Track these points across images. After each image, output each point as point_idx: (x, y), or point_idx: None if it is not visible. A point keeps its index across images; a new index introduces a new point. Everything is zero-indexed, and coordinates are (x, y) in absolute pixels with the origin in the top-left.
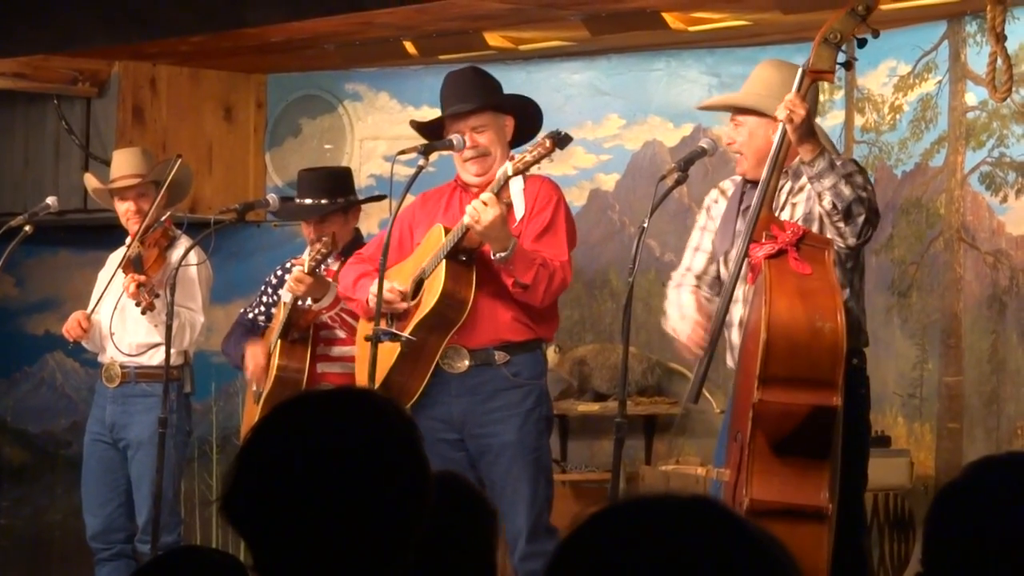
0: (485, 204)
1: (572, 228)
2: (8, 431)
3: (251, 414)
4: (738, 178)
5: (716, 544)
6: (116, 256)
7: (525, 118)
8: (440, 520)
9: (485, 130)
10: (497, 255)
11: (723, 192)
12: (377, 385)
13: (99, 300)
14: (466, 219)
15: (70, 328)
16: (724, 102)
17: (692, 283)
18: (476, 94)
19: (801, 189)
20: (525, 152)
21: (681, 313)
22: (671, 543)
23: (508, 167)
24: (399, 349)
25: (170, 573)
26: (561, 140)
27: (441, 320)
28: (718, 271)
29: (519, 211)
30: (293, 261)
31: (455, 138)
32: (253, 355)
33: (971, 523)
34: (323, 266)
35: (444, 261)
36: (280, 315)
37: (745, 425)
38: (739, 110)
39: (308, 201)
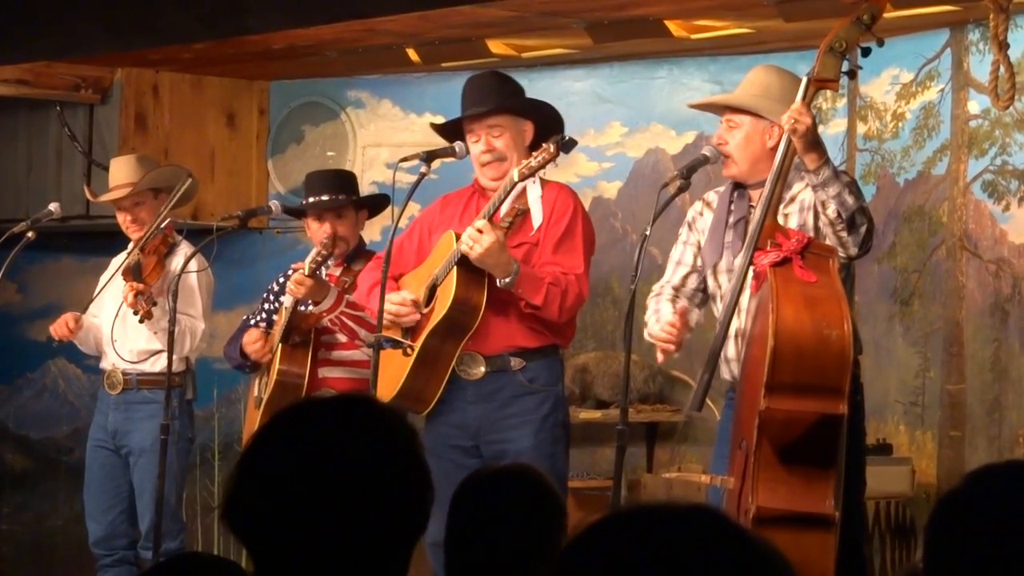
0: (480, 232)
1: (591, 235)
2: (10, 437)
3: (252, 420)
4: (721, 189)
5: (717, 553)
6: (119, 260)
7: (544, 123)
8: (509, 511)
9: (502, 133)
10: (502, 282)
11: (708, 204)
12: (394, 393)
13: (91, 302)
14: (462, 247)
15: (57, 327)
16: (720, 101)
17: (670, 294)
18: (493, 96)
19: (792, 200)
20: (530, 158)
21: (657, 318)
22: (672, 552)
23: (514, 174)
24: (414, 356)
25: None
26: (565, 144)
27: (454, 327)
28: (701, 284)
29: (536, 218)
30: (294, 266)
31: (458, 145)
32: (249, 340)
33: (971, 532)
34: (323, 269)
35: (455, 268)
36: (281, 320)
37: (751, 433)
38: (734, 110)
39: (326, 197)
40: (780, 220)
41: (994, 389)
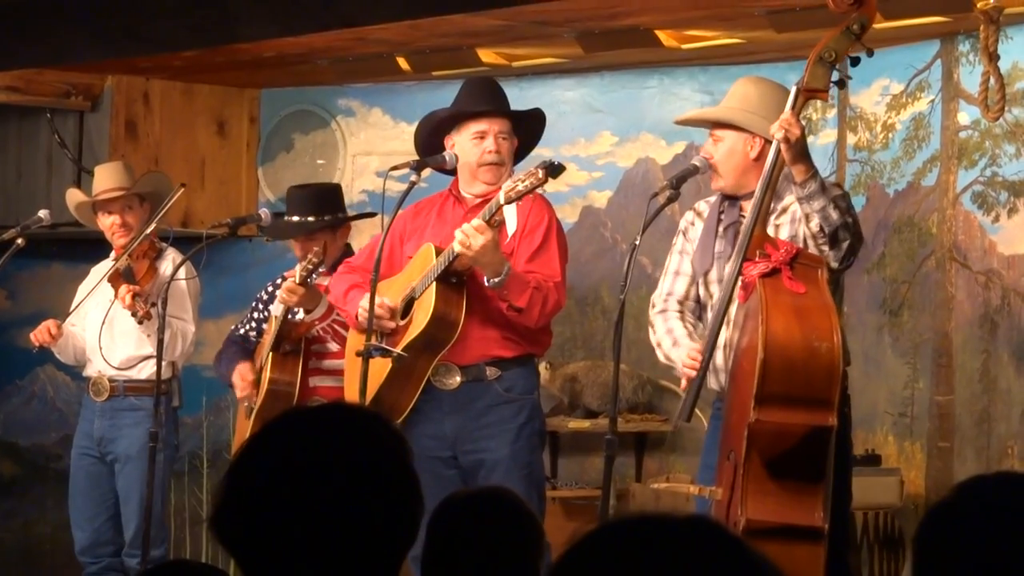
0: (476, 231)
1: (564, 245)
2: None
3: (242, 429)
4: (712, 199)
5: (714, 564)
6: (99, 269)
7: (525, 144)
8: (487, 534)
9: (507, 140)
10: (491, 281)
11: (699, 214)
12: (368, 400)
13: (74, 310)
14: (456, 246)
15: (38, 333)
16: (701, 116)
17: (676, 309)
18: (506, 104)
19: (784, 211)
20: (517, 181)
21: (673, 339)
22: (670, 563)
23: (500, 196)
24: (390, 366)
25: None
26: (554, 170)
27: (431, 341)
28: (698, 294)
29: (511, 228)
30: (286, 274)
31: (448, 155)
32: (241, 375)
33: (961, 543)
34: (314, 277)
35: (435, 283)
36: (272, 328)
37: (739, 444)
38: (717, 124)
39: (296, 218)
40: (771, 231)
41: (983, 400)
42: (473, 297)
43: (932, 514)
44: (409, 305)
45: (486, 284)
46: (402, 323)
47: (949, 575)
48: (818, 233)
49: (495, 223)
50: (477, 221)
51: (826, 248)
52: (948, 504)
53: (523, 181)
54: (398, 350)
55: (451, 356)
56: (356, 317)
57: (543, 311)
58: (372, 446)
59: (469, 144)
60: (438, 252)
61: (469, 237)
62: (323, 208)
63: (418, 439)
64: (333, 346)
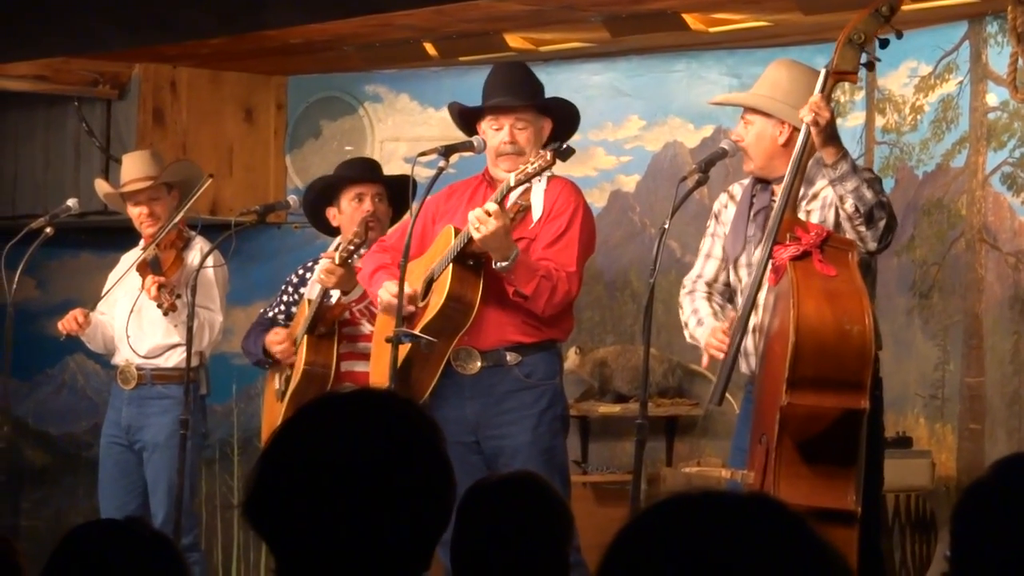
0: (488, 214)
1: (589, 234)
2: (30, 433)
3: (272, 414)
4: (746, 182)
5: (779, 542)
6: (129, 257)
7: (564, 122)
8: (516, 519)
9: (526, 127)
10: (498, 264)
11: (732, 197)
12: (390, 384)
13: (102, 299)
14: (470, 227)
15: (66, 322)
16: (732, 101)
17: (704, 290)
18: (525, 91)
19: (815, 197)
20: (527, 163)
21: (698, 319)
22: (735, 539)
23: (511, 178)
24: (410, 348)
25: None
26: (562, 153)
27: (447, 323)
28: (728, 278)
29: (537, 212)
30: (325, 255)
31: (476, 140)
32: (274, 339)
33: (999, 520)
34: (354, 258)
35: (451, 265)
36: (305, 312)
37: (771, 428)
38: (748, 108)
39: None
40: (802, 217)
41: (1014, 382)
42: (493, 281)
43: (970, 492)
44: (429, 287)
45: (493, 267)
46: (422, 304)
47: (987, 552)
48: (854, 214)
49: (518, 207)
50: (491, 206)
51: (863, 228)
52: (986, 482)
53: (532, 163)
54: (427, 336)
55: (471, 340)
56: (379, 299)
57: (550, 300)
58: (405, 432)
59: (490, 132)
60: (457, 233)
61: (481, 223)
62: (376, 170)
63: (442, 424)
64: (366, 327)
